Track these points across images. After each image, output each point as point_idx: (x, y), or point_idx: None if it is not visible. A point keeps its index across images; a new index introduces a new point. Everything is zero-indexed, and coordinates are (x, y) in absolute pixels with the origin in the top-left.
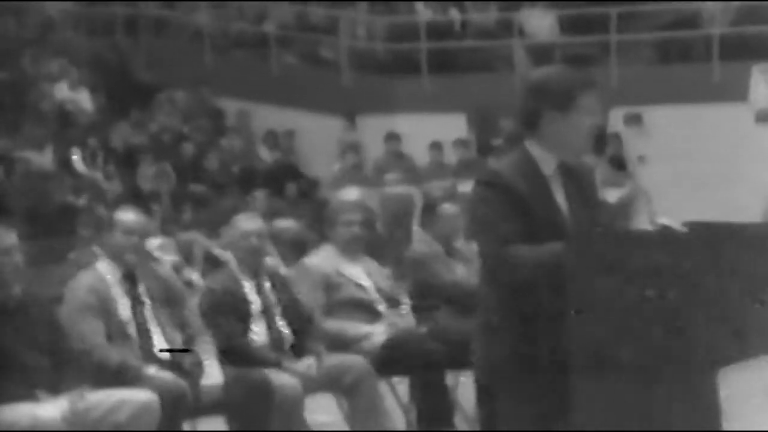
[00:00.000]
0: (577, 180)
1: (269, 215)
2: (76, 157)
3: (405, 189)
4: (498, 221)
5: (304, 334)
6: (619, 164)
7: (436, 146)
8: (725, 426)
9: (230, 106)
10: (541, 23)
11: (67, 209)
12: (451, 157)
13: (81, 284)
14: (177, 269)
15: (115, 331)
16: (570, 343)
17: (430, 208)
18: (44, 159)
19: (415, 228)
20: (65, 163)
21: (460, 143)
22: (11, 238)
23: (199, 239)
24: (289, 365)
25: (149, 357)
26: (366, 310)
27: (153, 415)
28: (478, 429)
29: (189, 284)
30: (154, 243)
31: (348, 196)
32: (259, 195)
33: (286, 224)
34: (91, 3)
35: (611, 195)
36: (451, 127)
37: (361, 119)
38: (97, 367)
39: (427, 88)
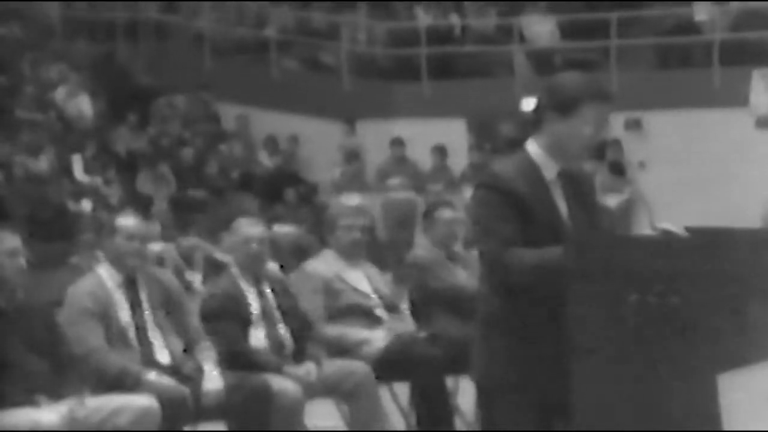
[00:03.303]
0: (577, 186)
1: (269, 221)
2: (76, 165)
3: (408, 194)
4: (499, 224)
5: (304, 340)
6: (618, 169)
7: (438, 150)
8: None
9: (230, 111)
10: (541, 28)
11: (67, 214)
12: (461, 161)
13: (81, 289)
14: (178, 274)
15: (115, 336)
16: (570, 348)
17: (428, 213)
18: (43, 164)
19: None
20: (65, 169)
21: (474, 147)
22: (15, 241)
23: (199, 244)
24: (289, 370)
25: (149, 362)
26: (366, 316)
27: (153, 421)
28: None
29: (189, 289)
30: (155, 248)
31: (349, 201)
32: (248, 198)
33: (286, 229)
34: (92, 8)
35: (611, 200)
36: (450, 133)
37: (361, 124)
38: (96, 372)
39: (427, 93)
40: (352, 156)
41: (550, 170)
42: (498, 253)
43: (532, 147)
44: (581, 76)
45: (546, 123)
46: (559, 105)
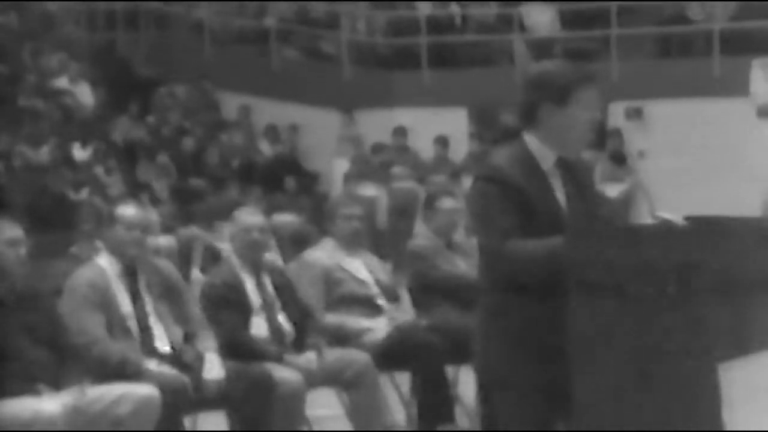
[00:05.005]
0: (575, 175)
1: (269, 210)
2: (77, 154)
3: (409, 183)
4: (497, 216)
5: (304, 329)
6: (619, 159)
7: (440, 141)
8: (726, 422)
9: (231, 100)
10: (541, 17)
11: (67, 204)
12: (461, 150)
13: (81, 278)
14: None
15: (116, 326)
16: (569, 338)
17: (429, 203)
18: (43, 153)
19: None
20: (65, 158)
21: (475, 136)
22: (16, 231)
23: (199, 234)
24: (289, 359)
25: (150, 351)
26: (366, 305)
27: (154, 410)
28: (478, 424)
29: (188, 279)
30: (154, 241)
31: (364, 191)
32: (251, 189)
33: (287, 219)
34: None
35: (611, 190)
36: (451, 122)
37: (361, 113)
38: (97, 361)
39: (427, 83)
40: (378, 147)
41: (547, 160)
42: (498, 245)
43: (529, 137)
44: (567, 63)
45: (542, 114)
46: (555, 96)
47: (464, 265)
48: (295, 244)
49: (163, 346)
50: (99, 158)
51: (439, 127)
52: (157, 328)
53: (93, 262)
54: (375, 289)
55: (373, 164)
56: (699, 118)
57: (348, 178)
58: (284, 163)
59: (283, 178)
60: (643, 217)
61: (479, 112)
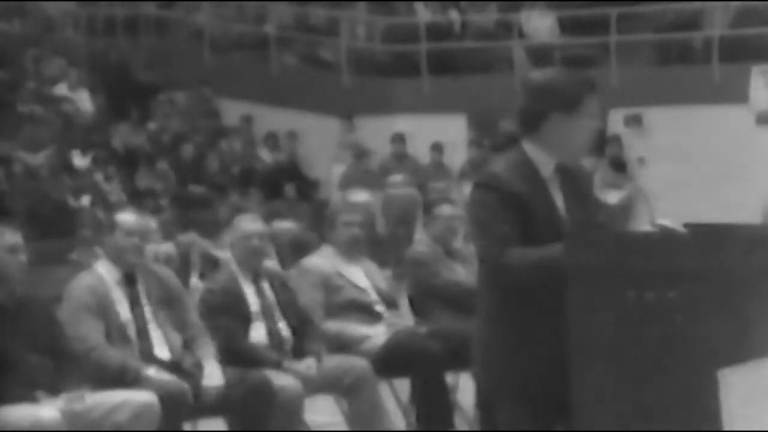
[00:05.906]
0: (574, 182)
1: (269, 217)
2: (76, 161)
3: (409, 190)
4: (496, 224)
5: (303, 335)
6: (619, 166)
7: (436, 147)
8: (725, 427)
9: (230, 106)
10: (540, 24)
11: (67, 210)
12: (461, 157)
13: (80, 285)
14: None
15: (115, 333)
16: (569, 345)
17: (427, 210)
18: (42, 159)
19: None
20: (65, 164)
21: (473, 143)
22: (16, 238)
23: (198, 241)
24: (289, 366)
25: (149, 358)
26: (365, 312)
27: (153, 416)
28: (478, 430)
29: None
30: (154, 245)
31: (356, 198)
32: (253, 193)
33: (286, 225)
34: (91, 3)
35: (611, 196)
36: (450, 129)
37: (360, 120)
38: (96, 368)
39: (427, 89)
40: (365, 155)
41: (546, 167)
42: (498, 253)
43: (528, 145)
44: (570, 71)
45: (549, 123)
46: (564, 105)
47: (464, 272)
48: (294, 250)
49: (163, 352)
50: (99, 165)
51: (439, 133)
52: (157, 335)
53: (92, 269)
54: (374, 296)
55: (371, 171)
56: (698, 124)
57: (346, 184)
58: (284, 170)
59: (282, 185)
60: (643, 223)
61: (479, 118)
